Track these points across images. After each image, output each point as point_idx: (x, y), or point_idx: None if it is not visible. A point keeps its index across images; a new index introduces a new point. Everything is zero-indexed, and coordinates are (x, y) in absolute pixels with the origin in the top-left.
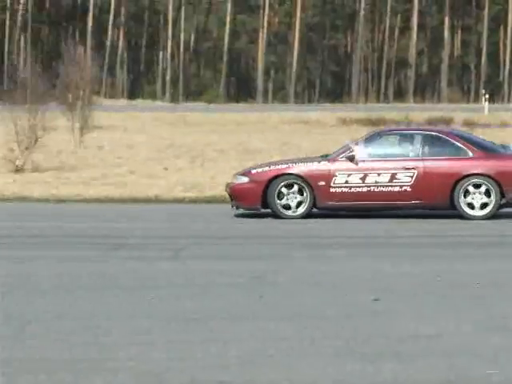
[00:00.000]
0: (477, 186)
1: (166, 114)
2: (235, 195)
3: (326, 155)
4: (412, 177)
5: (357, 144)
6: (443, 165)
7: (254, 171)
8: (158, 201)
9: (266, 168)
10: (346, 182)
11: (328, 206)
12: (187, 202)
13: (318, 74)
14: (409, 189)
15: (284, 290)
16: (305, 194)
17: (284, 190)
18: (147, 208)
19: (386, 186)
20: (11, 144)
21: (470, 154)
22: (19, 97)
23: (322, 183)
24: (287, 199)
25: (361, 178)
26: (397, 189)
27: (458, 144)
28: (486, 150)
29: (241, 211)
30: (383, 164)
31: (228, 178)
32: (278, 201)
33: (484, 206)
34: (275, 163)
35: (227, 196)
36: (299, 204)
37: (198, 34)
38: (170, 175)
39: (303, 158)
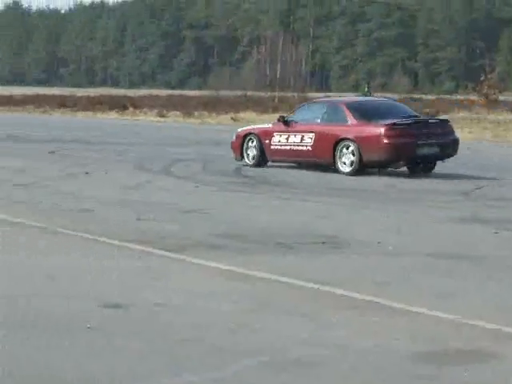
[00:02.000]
0: (347, 148)
1: None
2: (232, 148)
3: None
4: (312, 138)
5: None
6: (329, 129)
7: (239, 130)
8: None
9: (245, 128)
10: (279, 141)
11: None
12: None
13: None
14: (310, 148)
15: None
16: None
17: (248, 144)
18: None
19: (298, 145)
20: None
21: (349, 121)
22: None
23: (267, 141)
24: (248, 152)
25: (286, 139)
26: (304, 148)
27: (344, 112)
28: (364, 119)
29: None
30: (299, 127)
31: None
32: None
33: (351, 164)
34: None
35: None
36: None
37: None
38: None
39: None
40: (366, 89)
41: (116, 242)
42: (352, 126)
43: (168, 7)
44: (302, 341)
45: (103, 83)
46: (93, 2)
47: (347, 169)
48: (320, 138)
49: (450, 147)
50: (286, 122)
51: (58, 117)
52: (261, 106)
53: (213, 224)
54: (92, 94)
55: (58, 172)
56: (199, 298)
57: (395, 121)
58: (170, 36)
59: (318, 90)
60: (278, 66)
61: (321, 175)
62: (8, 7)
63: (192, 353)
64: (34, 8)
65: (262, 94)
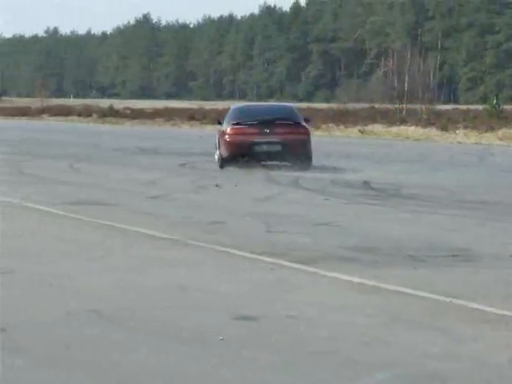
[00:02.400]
0: None
1: None
2: None
3: None
4: (219, 139)
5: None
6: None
7: None
8: None
9: None
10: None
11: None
12: None
13: None
14: (219, 146)
15: None
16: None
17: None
18: None
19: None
20: None
21: (228, 123)
22: None
23: (217, 141)
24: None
25: (218, 139)
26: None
27: (230, 115)
28: (234, 121)
29: None
30: (220, 128)
31: None
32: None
33: None
34: None
35: None
36: None
37: None
38: None
39: None
40: (495, 101)
41: (247, 254)
42: (226, 127)
43: (295, 20)
44: (435, 354)
45: (231, 96)
46: (221, 16)
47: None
48: (219, 137)
49: (294, 147)
50: (220, 124)
51: (187, 129)
52: (388, 119)
53: (343, 237)
54: (220, 107)
55: (188, 184)
56: (331, 310)
57: (238, 121)
58: (298, 49)
59: (445, 102)
60: (406, 78)
61: (450, 187)
62: (138, 22)
63: (325, 365)
64: (164, 22)
65: (389, 106)
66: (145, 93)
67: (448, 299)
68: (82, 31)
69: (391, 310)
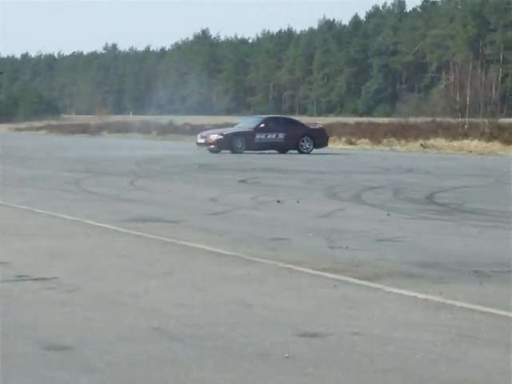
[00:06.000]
0: None
1: None
2: None
3: None
4: None
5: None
6: None
7: None
8: None
9: None
10: None
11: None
12: None
13: None
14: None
15: None
16: None
17: None
18: None
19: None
20: None
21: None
22: None
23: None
24: None
25: None
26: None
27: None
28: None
29: None
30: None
31: None
32: None
33: None
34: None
35: None
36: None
37: None
38: None
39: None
40: None
41: (310, 271)
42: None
43: (355, 34)
44: (504, 371)
45: (290, 111)
46: (280, 31)
47: None
48: None
49: None
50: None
51: None
52: (450, 133)
53: (407, 252)
54: None
55: (249, 200)
56: (397, 327)
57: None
58: (358, 63)
59: (508, 116)
60: (468, 91)
61: None
62: (197, 37)
63: (391, 383)
64: (223, 38)
65: (451, 120)
66: (204, 108)
67: None
68: (140, 47)
69: (457, 326)
